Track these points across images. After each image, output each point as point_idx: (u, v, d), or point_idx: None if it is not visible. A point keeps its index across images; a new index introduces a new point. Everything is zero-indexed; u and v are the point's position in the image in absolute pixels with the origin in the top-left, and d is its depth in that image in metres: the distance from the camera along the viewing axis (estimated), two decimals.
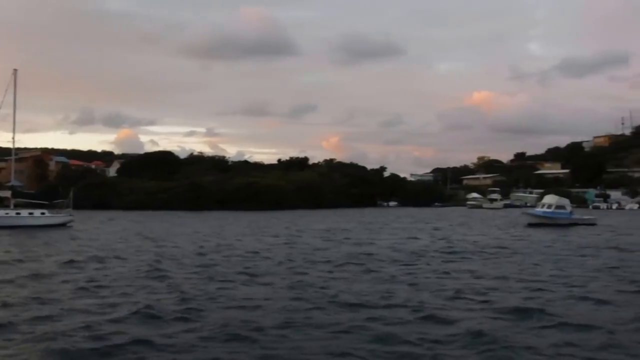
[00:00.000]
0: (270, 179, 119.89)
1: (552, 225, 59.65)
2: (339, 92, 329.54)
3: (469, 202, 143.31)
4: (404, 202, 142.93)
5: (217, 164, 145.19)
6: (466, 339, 12.19)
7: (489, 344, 11.76)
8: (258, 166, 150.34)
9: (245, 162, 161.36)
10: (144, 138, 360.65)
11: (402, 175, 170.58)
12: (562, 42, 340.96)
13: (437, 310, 15.22)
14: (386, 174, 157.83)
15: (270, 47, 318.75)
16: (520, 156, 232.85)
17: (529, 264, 26.56)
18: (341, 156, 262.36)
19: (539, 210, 66.72)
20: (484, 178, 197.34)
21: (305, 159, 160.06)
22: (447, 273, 23.02)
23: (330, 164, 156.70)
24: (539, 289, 18.78)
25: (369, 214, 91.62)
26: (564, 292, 18.52)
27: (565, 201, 66.96)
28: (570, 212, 65.36)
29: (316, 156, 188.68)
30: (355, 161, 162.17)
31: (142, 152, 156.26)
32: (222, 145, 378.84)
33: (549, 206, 64.65)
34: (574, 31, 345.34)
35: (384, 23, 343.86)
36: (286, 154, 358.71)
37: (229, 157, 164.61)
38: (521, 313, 14.84)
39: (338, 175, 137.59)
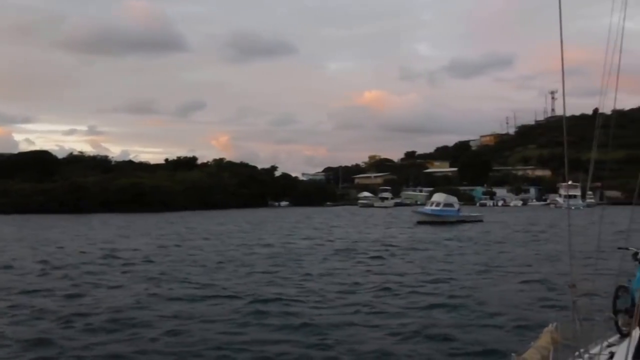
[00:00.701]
0: (157, 180, 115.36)
1: (441, 223, 60.43)
2: (229, 90, 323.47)
3: (360, 201, 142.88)
4: (296, 201, 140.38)
5: (100, 163, 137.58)
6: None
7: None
8: (144, 166, 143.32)
9: (130, 162, 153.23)
10: (18, 137, 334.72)
11: (293, 174, 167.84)
12: (450, 43, 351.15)
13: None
14: (277, 173, 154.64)
15: (156, 42, 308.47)
16: (410, 155, 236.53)
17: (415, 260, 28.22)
18: (231, 155, 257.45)
19: (428, 208, 67.62)
20: (375, 177, 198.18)
21: (194, 159, 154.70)
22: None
23: (219, 163, 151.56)
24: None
25: (259, 214, 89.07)
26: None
27: (453, 199, 68.76)
28: (458, 210, 66.90)
29: (205, 156, 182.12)
30: (245, 160, 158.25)
31: (16, 151, 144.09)
32: (105, 145, 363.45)
33: (438, 204, 65.78)
34: (460, 33, 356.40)
35: (275, 20, 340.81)
36: (174, 153, 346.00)
37: (113, 157, 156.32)
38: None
39: (228, 175, 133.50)
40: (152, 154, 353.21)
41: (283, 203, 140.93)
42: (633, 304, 5.99)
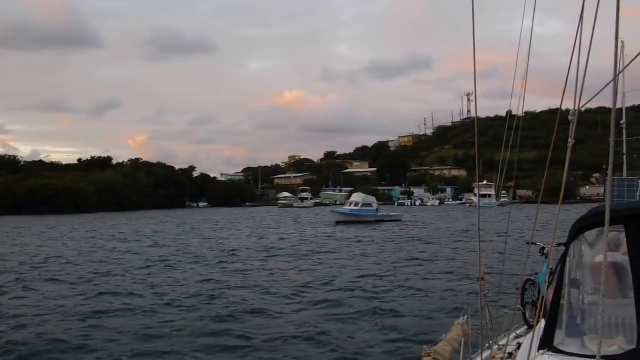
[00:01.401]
0: (69, 180, 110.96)
1: (360, 223, 60.64)
2: (147, 88, 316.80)
3: (280, 202, 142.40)
4: (215, 202, 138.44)
5: (7, 164, 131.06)
6: None
7: None
8: (55, 166, 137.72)
9: (41, 162, 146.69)
10: None
11: (212, 175, 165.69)
12: (371, 45, 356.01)
13: None
14: (196, 173, 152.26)
15: (70, 38, 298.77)
16: (330, 155, 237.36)
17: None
18: (148, 156, 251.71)
19: (346, 208, 67.83)
20: (295, 177, 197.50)
21: (109, 159, 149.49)
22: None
23: (135, 163, 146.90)
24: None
25: (174, 216, 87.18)
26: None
27: (372, 199, 69.10)
28: (377, 210, 67.13)
29: (121, 156, 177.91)
30: (163, 161, 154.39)
31: None
32: (13, 144, 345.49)
33: (356, 204, 65.99)
34: (381, 35, 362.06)
35: (195, 19, 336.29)
36: (88, 153, 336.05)
37: (22, 157, 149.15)
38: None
39: (144, 176, 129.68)
40: (65, 154, 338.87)
41: (202, 204, 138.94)
42: (540, 297, 6.05)
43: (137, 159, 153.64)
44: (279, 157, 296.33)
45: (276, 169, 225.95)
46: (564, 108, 4.14)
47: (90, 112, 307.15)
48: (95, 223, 66.26)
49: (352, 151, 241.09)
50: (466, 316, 5.98)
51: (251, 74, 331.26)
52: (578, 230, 4.60)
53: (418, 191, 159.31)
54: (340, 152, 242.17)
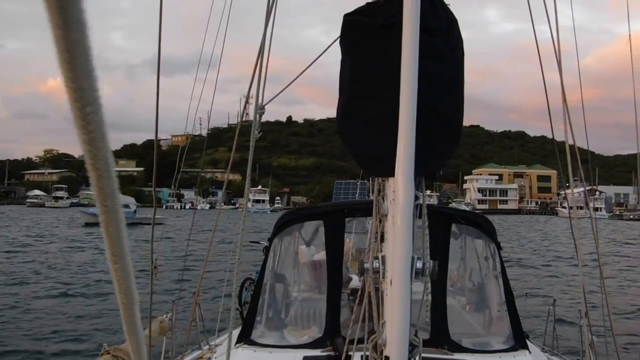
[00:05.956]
0: None
1: None
2: None
3: (29, 200, 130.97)
4: None
5: None
6: None
7: None
8: None
9: None
10: None
11: None
12: (152, 38, 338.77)
13: None
14: None
15: None
16: None
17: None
18: None
19: (94, 209, 58.76)
20: (50, 174, 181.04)
21: None
22: None
23: None
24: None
25: None
26: None
27: (129, 199, 68.22)
28: (134, 211, 66.50)
29: None
30: None
31: None
32: None
33: None
34: (166, 28, 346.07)
35: None
36: None
37: None
38: None
39: None
40: None
41: None
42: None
43: None
44: (35, 151, 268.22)
45: (28, 163, 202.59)
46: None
47: None
48: None
49: (119, 148, 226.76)
50: (170, 313, 6.12)
51: (9, 54, 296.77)
52: (281, 226, 5.24)
53: (189, 194, 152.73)
54: None
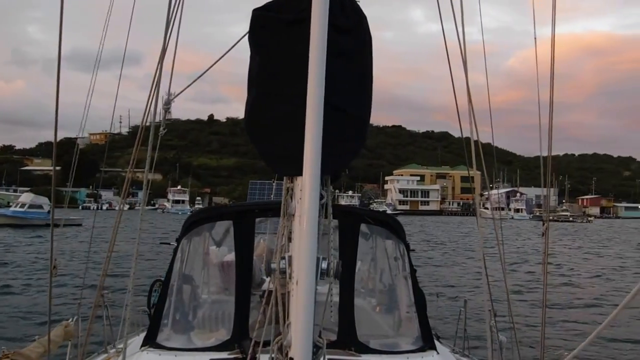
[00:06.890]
0: None
1: (26, 226, 56.95)
2: None
3: None
4: None
5: None
6: None
7: None
8: None
9: None
10: None
11: None
12: (73, 32, 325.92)
13: None
14: None
15: None
16: (7, 149, 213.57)
17: None
18: None
19: (10, 210, 64.05)
20: None
21: None
22: None
23: None
24: None
25: None
26: None
27: (43, 200, 64.84)
28: (48, 212, 61.06)
29: None
30: None
31: None
32: None
33: (23, 205, 62.41)
34: (84, 23, 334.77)
35: None
36: None
37: None
38: None
39: None
40: None
41: None
42: None
43: None
44: None
45: None
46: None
47: None
48: None
49: (34, 146, 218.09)
50: (75, 317, 6.02)
51: None
52: (189, 226, 5.12)
53: (107, 194, 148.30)
54: (19, 146, 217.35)
